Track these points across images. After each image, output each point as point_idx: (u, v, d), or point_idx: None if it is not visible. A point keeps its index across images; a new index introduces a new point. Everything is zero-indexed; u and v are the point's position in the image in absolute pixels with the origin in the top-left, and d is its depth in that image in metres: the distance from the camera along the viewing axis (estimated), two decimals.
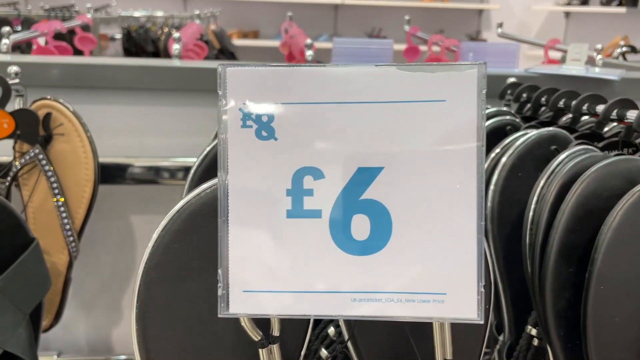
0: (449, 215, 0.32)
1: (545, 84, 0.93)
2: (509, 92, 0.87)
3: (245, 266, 0.34)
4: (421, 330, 0.43)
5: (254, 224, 0.34)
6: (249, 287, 0.34)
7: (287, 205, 0.33)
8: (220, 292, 0.34)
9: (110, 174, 0.89)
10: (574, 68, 0.95)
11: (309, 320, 0.42)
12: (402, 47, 1.45)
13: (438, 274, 0.33)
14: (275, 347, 0.39)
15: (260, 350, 0.39)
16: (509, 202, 0.64)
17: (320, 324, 0.56)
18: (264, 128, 0.33)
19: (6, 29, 1.01)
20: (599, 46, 1.16)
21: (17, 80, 0.79)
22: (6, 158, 0.81)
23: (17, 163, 0.77)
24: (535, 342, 0.59)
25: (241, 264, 0.34)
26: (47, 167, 0.77)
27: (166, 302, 0.42)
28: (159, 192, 0.97)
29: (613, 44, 2.03)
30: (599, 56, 1.15)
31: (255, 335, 0.38)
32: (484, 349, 0.48)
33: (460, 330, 0.44)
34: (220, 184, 0.34)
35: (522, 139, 0.65)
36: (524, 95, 0.83)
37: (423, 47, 1.50)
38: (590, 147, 0.60)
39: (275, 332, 0.39)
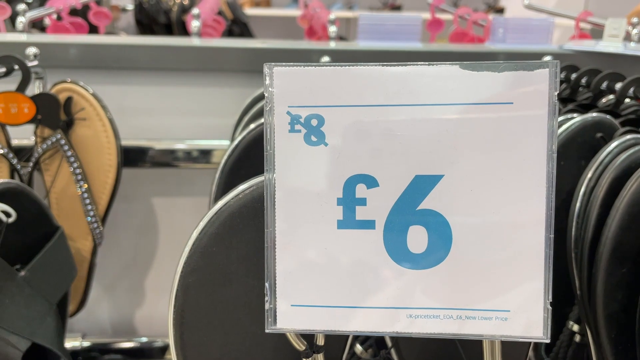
0: (515, 228, 0.30)
1: (581, 61, 0.89)
2: None
3: (293, 279, 0.32)
4: (467, 348, 0.41)
5: (303, 235, 0.31)
6: (297, 301, 0.32)
7: (339, 215, 0.31)
8: (267, 306, 0.32)
9: (131, 157, 0.87)
10: (612, 45, 0.91)
11: (346, 340, 0.41)
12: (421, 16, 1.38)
13: (501, 290, 0.31)
14: (320, 357, 0.37)
15: None
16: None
17: None
18: (314, 132, 0.31)
19: (22, 6, 0.98)
20: (635, 19, 1.10)
21: (36, 62, 0.77)
22: (28, 141, 0.80)
23: (38, 148, 0.76)
24: (577, 338, 0.57)
25: (289, 277, 0.32)
26: (69, 153, 0.76)
27: (205, 308, 0.40)
28: (180, 175, 0.95)
29: (636, 12, 1.95)
30: (635, 30, 1.10)
31: (300, 346, 0.37)
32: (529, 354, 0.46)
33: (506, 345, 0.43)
34: (267, 193, 0.32)
35: (565, 125, 0.62)
36: (562, 75, 0.79)
37: (445, 17, 1.45)
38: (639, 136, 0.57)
39: (320, 342, 0.37)
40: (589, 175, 0.54)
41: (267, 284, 0.32)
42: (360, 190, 0.31)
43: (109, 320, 1.04)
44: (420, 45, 0.95)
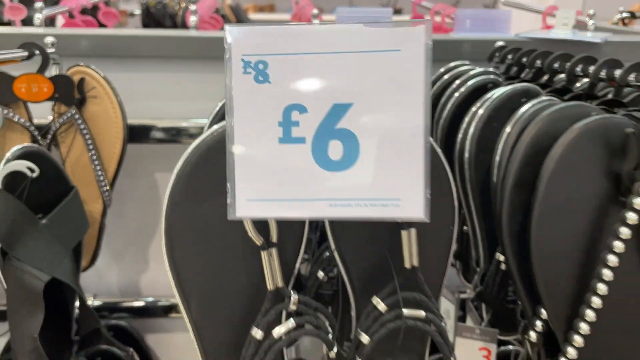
0: (403, 138, 0.42)
1: (536, 48, 1.00)
2: (497, 55, 0.95)
3: (248, 181, 0.44)
4: (395, 244, 0.53)
5: (254, 148, 0.43)
6: (251, 196, 0.44)
7: (279, 134, 0.43)
8: (229, 200, 0.44)
9: (136, 134, 0.99)
10: (562, 32, 1.02)
11: (302, 233, 0.53)
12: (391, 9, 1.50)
13: (394, 185, 0.42)
14: (274, 251, 0.49)
15: (262, 252, 0.49)
16: (484, 149, 0.72)
17: (318, 250, 0.66)
18: (260, 74, 0.43)
19: (39, 4, 1.11)
20: (591, 12, 1.22)
21: (53, 50, 0.89)
22: (44, 121, 0.92)
23: (56, 123, 0.88)
24: (503, 266, 0.68)
25: (245, 179, 0.44)
26: (82, 126, 0.88)
27: (188, 220, 0.52)
28: (181, 151, 1.07)
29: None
30: (591, 21, 1.22)
31: (258, 240, 0.49)
32: (449, 262, 0.58)
33: (428, 244, 0.55)
34: (227, 120, 0.44)
35: (497, 93, 0.74)
36: (509, 56, 0.91)
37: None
38: (555, 99, 0.68)
39: (274, 239, 0.49)
40: (507, 129, 0.65)
41: (228, 185, 0.44)
42: (295, 115, 0.43)
43: (117, 283, 1.16)
44: None
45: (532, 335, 0.57)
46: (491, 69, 0.90)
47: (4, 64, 0.82)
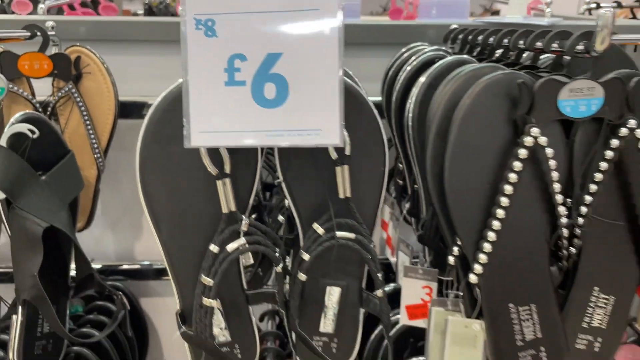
0: (322, 82, 0.52)
1: None
2: (451, 36, 1.05)
3: (199, 116, 0.54)
4: (333, 178, 0.64)
5: (205, 90, 0.54)
6: (202, 129, 0.55)
7: (225, 78, 0.54)
8: (185, 132, 0.55)
9: (129, 110, 1.10)
10: (514, 17, 1.12)
11: (255, 169, 0.63)
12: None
13: (316, 118, 0.53)
14: (227, 181, 0.60)
15: (217, 182, 0.60)
16: (425, 112, 0.83)
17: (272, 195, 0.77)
18: (209, 30, 0.53)
19: None
20: (548, 0, 1.33)
21: (53, 33, 1.01)
22: (43, 97, 1.03)
23: (55, 97, 0.99)
24: None
25: (197, 115, 0.54)
26: (78, 99, 0.99)
27: (157, 157, 0.63)
28: None
29: None
30: (549, 9, 1.32)
31: (213, 171, 0.59)
32: (382, 197, 0.68)
33: (363, 182, 0.65)
34: (182, 67, 0.55)
35: (439, 64, 0.84)
36: (460, 37, 1.01)
37: None
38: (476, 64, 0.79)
39: (227, 170, 0.60)
40: (438, 90, 0.76)
41: (184, 119, 0.55)
42: (237, 63, 0.53)
43: (114, 249, 1.27)
44: (360, 20, 1.18)
45: (451, 259, 0.67)
46: (444, 48, 1.00)
47: (9, 42, 0.93)
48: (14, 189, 0.82)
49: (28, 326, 0.87)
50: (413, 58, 0.95)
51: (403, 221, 1.03)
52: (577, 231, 0.66)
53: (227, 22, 0.53)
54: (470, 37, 0.95)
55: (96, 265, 1.21)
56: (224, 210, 0.61)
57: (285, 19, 0.52)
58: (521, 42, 0.78)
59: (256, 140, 0.54)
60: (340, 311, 0.69)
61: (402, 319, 0.84)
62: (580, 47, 0.64)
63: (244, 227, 0.61)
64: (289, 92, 0.53)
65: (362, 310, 0.71)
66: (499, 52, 0.87)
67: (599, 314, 0.68)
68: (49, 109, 1.01)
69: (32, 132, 0.84)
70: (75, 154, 0.99)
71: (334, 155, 0.61)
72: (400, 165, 0.97)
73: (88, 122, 1.00)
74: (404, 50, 1.03)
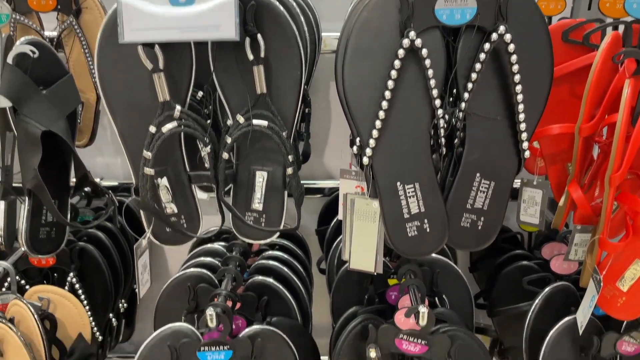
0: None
1: None
2: None
3: (129, 18, 0.69)
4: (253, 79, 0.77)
5: None
6: (132, 27, 0.69)
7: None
8: (119, 30, 0.70)
9: None
10: None
11: (191, 67, 0.77)
12: None
13: (217, 15, 0.67)
14: (162, 75, 0.75)
15: (153, 75, 0.74)
16: None
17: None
18: None
19: None
20: None
21: None
22: (51, 34, 1.20)
23: (60, 28, 1.17)
24: None
25: (128, 17, 0.69)
26: (78, 30, 1.16)
27: (111, 59, 0.78)
28: None
29: None
30: None
31: (149, 65, 0.74)
32: (300, 98, 0.81)
33: (282, 82, 0.78)
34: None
35: None
36: None
37: None
38: None
39: (160, 66, 0.74)
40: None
41: (118, 19, 0.69)
42: None
43: (122, 170, 1.45)
44: None
45: (354, 149, 0.80)
46: None
47: None
48: (19, 99, 1.00)
49: (33, 213, 1.06)
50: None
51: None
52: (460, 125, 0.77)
53: None
54: None
55: (106, 183, 1.40)
56: (160, 99, 0.76)
57: None
58: None
59: (171, 36, 0.69)
60: (267, 192, 0.84)
61: (340, 214, 0.98)
62: None
63: (176, 113, 0.76)
64: None
65: (286, 192, 0.85)
66: None
67: (480, 197, 0.80)
68: (55, 40, 1.18)
69: (33, 52, 1.01)
70: (78, 79, 1.17)
71: (250, 56, 0.75)
72: None
73: (87, 51, 1.17)
74: None
